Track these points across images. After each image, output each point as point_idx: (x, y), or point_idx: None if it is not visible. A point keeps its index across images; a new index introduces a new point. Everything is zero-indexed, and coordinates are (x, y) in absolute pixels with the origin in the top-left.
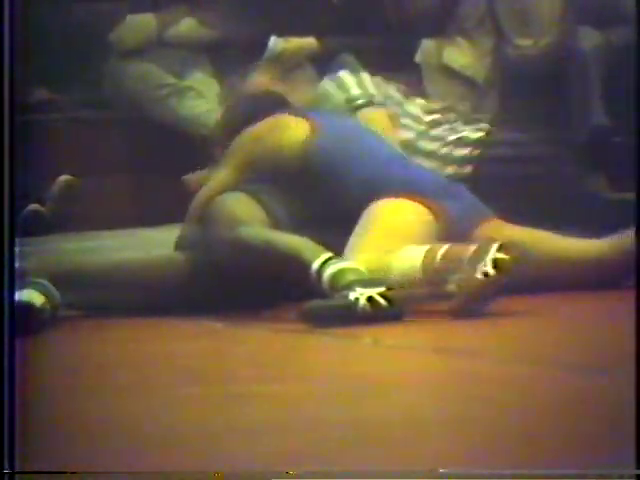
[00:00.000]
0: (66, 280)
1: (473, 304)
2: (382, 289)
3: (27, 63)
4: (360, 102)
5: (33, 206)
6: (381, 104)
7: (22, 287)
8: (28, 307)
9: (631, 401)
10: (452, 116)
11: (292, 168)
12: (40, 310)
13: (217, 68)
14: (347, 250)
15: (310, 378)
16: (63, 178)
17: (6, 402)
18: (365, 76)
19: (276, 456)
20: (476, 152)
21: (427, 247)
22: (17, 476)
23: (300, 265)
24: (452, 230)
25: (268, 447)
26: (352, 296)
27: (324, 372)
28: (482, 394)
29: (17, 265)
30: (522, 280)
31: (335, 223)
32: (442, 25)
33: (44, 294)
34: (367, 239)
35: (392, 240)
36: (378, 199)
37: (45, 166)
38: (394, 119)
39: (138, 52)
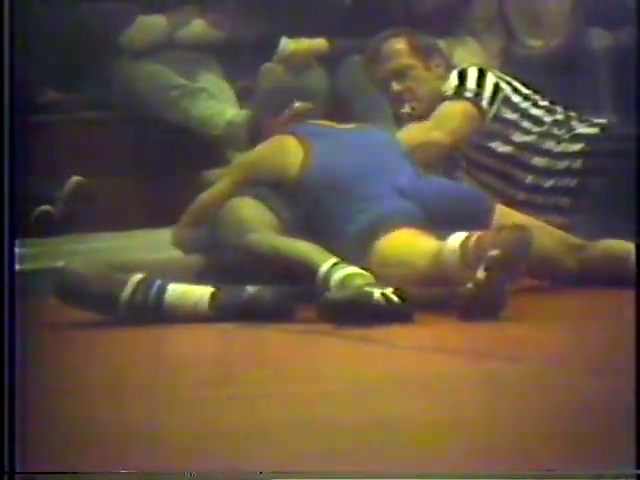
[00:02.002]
0: (75, 282)
1: (476, 308)
2: (393, 289)
3: (38, 64)
4: (465, 94)
5: (43, 207)
6: (478, 101)
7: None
8: None
9: (631, 401)
10: (571, 114)
11: (291, 189)
12: None
13: (227, 69)
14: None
15: (320, 379)
16: (74, 179)
17: (6, 402)
18: (490, 76)
19: (286, 455)
20: (588, 148)
21: (463, 236)
22: (17, 476)
23: (308, 269)
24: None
25: (278, 447)
26: (366, 289)
27: (334, 373)
28: (491, 395)
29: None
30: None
31: (337, 235)
32: (452, 26)
33: None
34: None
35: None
36: (382, 232)
37: (55, 167)
38: (481, 117)
39: (148, 53)
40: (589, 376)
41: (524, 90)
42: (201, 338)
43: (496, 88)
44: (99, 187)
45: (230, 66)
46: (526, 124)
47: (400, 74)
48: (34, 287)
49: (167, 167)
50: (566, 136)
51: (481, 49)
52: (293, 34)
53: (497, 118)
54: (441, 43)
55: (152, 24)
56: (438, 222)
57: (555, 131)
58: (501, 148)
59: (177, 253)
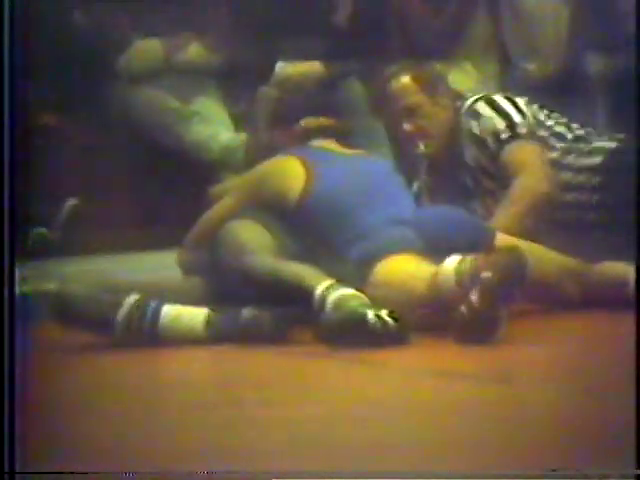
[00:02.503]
0: (70, 304)
1: (470, 332)
2: (387, 311)
3: (36, 88)
4: (522, 131)
5: (39, 230)
6: (534, 134)
7: None
8: None
9: (631, 402)
10: (589, 130)
11: (292, 213)
12: None
13: (224, 93)
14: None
15: (316, 402)
16: (70, 203)
17: (6, 402)
18: (519, 100)
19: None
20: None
21: (457, 259)
22: (17, 476)
23: (304, 292)
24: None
25: (273, 469)
26: (360, 310)
27: (331, 396)
28: (485, 416)
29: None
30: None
31: (337, 260)
32: (448, 48)
33: None
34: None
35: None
36: (379, 259)
37: (51, 190)
38: (543, 150)
39: (145, 78)
40: (588, 399)
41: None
42: (195, 360)
43: (531, 110)
44: (95, 210)
45: (227, 90)
46: (553, 140)
47: (410, 113)
48: (28, 309)
49: (163, 190)
50: (586, 149)
51: (476, 72)
52: (290, 58)
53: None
54: (437, 66)
55: (149, 48)
56: (438, 250)
57: (576, 146)
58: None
59: (173, 274)
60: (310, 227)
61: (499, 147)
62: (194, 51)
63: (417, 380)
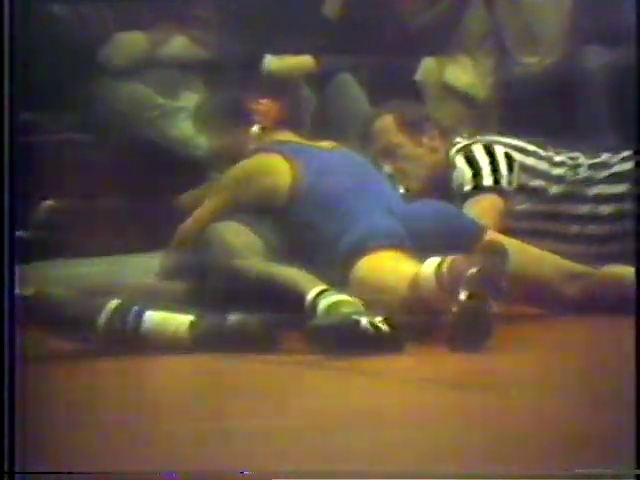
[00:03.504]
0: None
1: (464, 333)
2: (383, 318)
3: (16, 84)
4: (486, 183)
5: (17, 232)
6: (500, 189)
7: None
8: None
9: (631, 402)
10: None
11: (278, 210)
12: None
13: (209, 88)
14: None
15: (308, 412)
16: (47, 203)
17: (6, 402)
18: (499, 149)
19: None
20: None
21: (437, 260)
22: (17, 476)
23: (296, 297)
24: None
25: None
26: (354, 317)
27: (323, 406)
28: (484, 418)
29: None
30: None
31: (322, 257)
32: (443, 43)
33: None
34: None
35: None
36: (365, 253)
37: (30, 191)
38: (509, 202)
39: (128, 72)
40: (587, 405)
41: (532, 148)
42: (179, 369)
43: (509, 160)
44: (76, 210)
45: (213, 85)
46: (551, 186)
47: (390, 154)
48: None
49: (149, 189)
50: (601, 176)
51: (473, 67)
52: (278, 51)
53: (522, 188)
54: (432, 61)
55: (132, 41)
56: (426, 245)
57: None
58: (532, 208)
59: (157, 279)
60: (300, 223)
61: (463, 200)
62: (179, 44)
63: (411, 389)
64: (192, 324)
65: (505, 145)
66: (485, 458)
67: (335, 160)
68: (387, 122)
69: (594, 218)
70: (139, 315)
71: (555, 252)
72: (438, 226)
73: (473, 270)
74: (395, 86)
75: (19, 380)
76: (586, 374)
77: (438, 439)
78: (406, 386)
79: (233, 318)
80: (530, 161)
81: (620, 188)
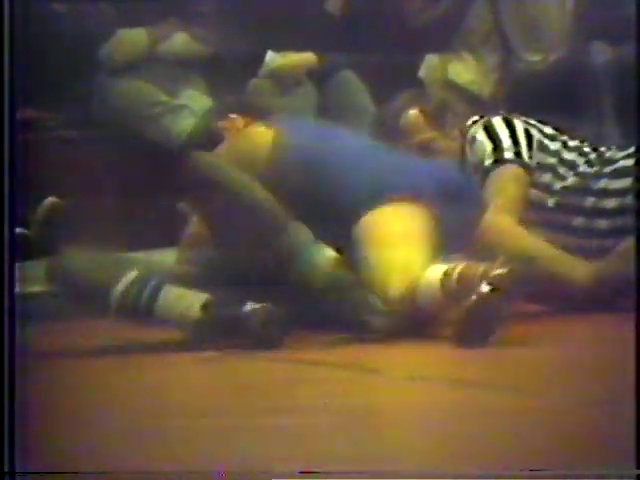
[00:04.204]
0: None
1: (473, 329)
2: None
3: (13, 82)
4: (507, 156)
5: (18, 230)
6: (522, 161)
7: None
8: None
9: (631, 401)
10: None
11: (267, 173)
12: None
13: (211, 84)
14: (368, 272)
15: (309, 410)
16: (48, 200)
17: (6, 402)
18: (518, 124)
19: None
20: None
21: (445, 268)
22: (17, 476)
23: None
24: (451, 233)
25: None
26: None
27: (323, 404)
28: (483, 417)
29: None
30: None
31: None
32: (446, 40)
33: None
34: (378, 260)
35: (399, 253)
36: (372, 207)
37: (31, 188)
38: (530, 174)
39: (129, 68)
40: (588, 399)
41: (549, 130)
42: (181, 365)
43: (528, 135)
44: (78, 207)
45: (214, 82)
46: (562, 170)
47: (425, 150)
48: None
49: (150, 186)
50: (606, 170)
51: (477, 64)
52: (281, 48)
53: (539, 166)
54: (435, 58)
55: (133, 38)
56: (429, 195)
57: (590, 170)
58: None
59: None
60: (286, 182)
61: (484, 173)
62: (180, 41)
63: (415, 386)
64: (204, 305)
65: (526, 123)
66: (485, 458)
67: (328, 130)
68: (414, 117)
69: (598, 212)
70: (157, 288)
71: (554, 243)
72: (445, 182)
73: (500, 271)
74: (398, 83)
75: (19, 380)
76: (586, 374)
77: (438, 439)
78: (409, 383)
79: (247, 306)
80: (547, 142)
81: (623, 183)
